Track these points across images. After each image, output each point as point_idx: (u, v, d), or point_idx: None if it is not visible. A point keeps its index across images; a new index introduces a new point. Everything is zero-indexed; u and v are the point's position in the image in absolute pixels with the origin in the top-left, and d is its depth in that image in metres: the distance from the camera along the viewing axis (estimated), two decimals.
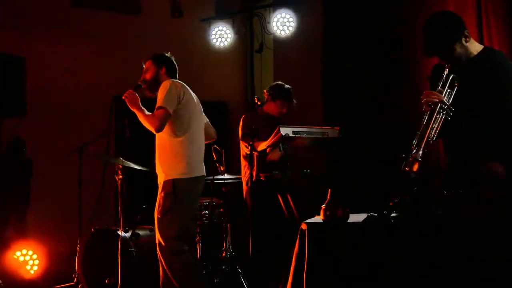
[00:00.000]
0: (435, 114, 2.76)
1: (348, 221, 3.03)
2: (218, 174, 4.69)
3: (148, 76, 3.91)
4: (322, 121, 5.70)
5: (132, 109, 3.78)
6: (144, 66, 3.97)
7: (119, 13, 6.39)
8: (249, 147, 4.26)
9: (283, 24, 5.88)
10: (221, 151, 4.64)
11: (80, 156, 4.88)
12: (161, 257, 3.70)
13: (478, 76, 2.81)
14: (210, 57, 6.52)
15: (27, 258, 4.89)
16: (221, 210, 4.80)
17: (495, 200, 2.62)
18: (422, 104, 2.83)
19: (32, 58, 5.39)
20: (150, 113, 3.72)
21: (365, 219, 3.08)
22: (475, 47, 2.90)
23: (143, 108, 3.77)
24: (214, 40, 6.18)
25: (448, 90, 2.83)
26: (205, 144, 3.99)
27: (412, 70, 4.71)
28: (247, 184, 4.62)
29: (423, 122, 2.78)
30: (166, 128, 3.67)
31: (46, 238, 5.30)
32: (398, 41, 5.03)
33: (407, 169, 2.68)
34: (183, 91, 3.74)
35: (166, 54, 3.97)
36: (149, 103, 3.86)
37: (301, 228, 3.05)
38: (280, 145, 4.30)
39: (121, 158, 4.72)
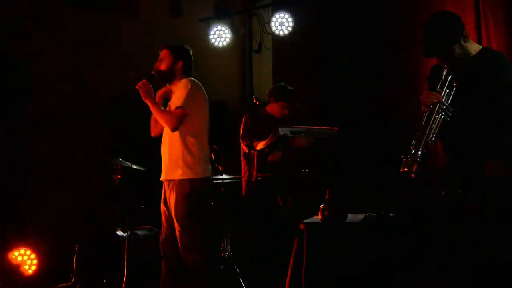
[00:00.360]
0: (434, 115, 2.77)
1: (347, 221, 3.03)
2: (217, 174, 4.69)
3: (163, 66, 3.73)
4: (321, 121, 5.69)
5: (145, 101, 3.63)
6: (159, 54, 3.78)
7: (118, 13, 6.38)
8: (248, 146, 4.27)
9: (282, 24, 5.87)
10: (219, 150, 4.64)
11: (78, 156, 4.87)
12: (185, 255, 3.54)
13: (476, 76, 2.81)
14: (209, 57, 6.51)
15: (25, 258, 4.88)
16: (220, 210, 4.80)
17: (494, 200, 2.62)
18: (421, 105, 2.83)
19: (30, 60, 5.38)
20: (166, 110, 3.65)
21: (363, 219, 3.09)
22: (473, 47, 2.90)
23: (157, 102, 3.67)
24: (213, 40, 6.18)
25: (447, 91, 2.84)
26: None
27: (411, 70, 4.71)
28: (246, 183, 4.62)
29: (422, 122, 2.78)
30: (187, 128, 3.59)
31: (44, 238, 5.30)
32: (397, 41, 5.03)
33: (406, 169, 2.68)
34: (204, 92, 3.70)
35: (186, 47, 3.82)
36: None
37: (300, 228, 3.05)
38: (279, 145, 4.31)
39: (120, 158, 4.72)
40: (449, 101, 2.83)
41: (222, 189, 4.86)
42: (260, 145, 4.40)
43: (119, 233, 4.53)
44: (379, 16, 5.20)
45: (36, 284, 4.81)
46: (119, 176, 4.72)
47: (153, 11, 6.57)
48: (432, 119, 2.76)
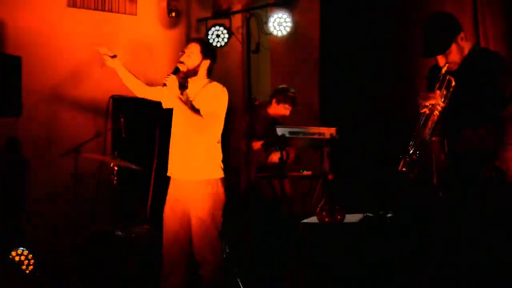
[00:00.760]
0: (432, 115, 2.77)
1: (345, 221, 3.03)
2: None
3: (190, 63, 3.55)
4: (319, 121, 5.70)
5: (171, 99, 3.46)
6: (187, 47, 3.60)
7: (116, 13, 6.37)
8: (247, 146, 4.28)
9: (279, 24, 5.88)
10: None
11: (75, 156, 4.86)
12: (204, 274, 3.45)
13: (474, 76, 2.82)
14: None
15: (23, 258, 4.87)
16: None
17: (494, 200, 2.62)
18: (419, 105, 2.84)
19: (28, 58, 5.36)
20: (197, 110, 3.46)
21: (361, 220, 3.09)
22: (471, 48, 2.91)
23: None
24: (211, 40, 6.18)
25: (445, 91, 2.84)
26: None
27: (410, 70, 4.72)
28: (245, 183, 4.63)
29: (420, 123, 2.79)
30: (213, 130, 3.53)
31: (42, 238, 5.28)
32: (396, 41, 5.03)
33: (404, 169, 2.68)
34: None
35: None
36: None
37: (298, 229, 3.05)
38: (276, 145, 4.32)
39: (117, 158, 4.72)
40: (447, 101, 2.83)
41: None
42: (258, 145, 4.42)
43: (117, 233, 4.52)
44: (378, 16, 5.20)
45: (33, 285, 4.80)
46: (116, 176, 4.71)
47: (151, 11, 6.56)
48: (430, 119, 2.77)
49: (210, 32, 6.23)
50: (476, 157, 2.77)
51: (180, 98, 3.44)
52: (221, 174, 3.55)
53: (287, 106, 4.81)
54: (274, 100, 4.85)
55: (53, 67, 5.92)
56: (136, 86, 3.77)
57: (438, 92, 2.83)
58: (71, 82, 5.95)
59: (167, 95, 3.53)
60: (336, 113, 5.47)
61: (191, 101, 3.52)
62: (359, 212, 3.29)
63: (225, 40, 6.18)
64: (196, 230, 3.46)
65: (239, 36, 6.42)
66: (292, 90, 4.85)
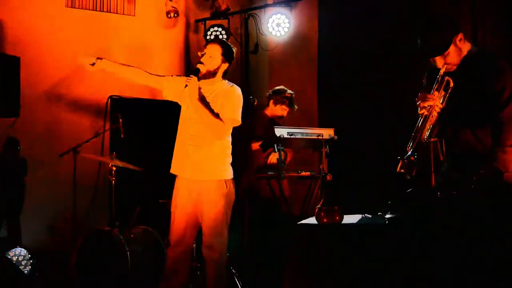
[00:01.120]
0: (430, 116, 2.78)
1: (343, 222, 3.04)
2: None
3: (211, 65, 3.52)
4: (317, 122, 5.71)
5: (193, 101, 3.43)
6: (207, 48, 3.57)
7: (114, 13, 6.37)
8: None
9: (278, 25, 5.89)
10: None
11: (74, 156, 4.86)
12: (210, 258, 3.50)
13: (472, 77, 2.83)
14: None
15: (21, 259, 4.86)
16: None
17: (490, 201, 2.63)
18: (417, 106, 2.85)
19: (26, 58, 5.36)
20: (218, 115, 3.46)
21: (359, 221, 3.10)
22: (469, 48, 2.91)
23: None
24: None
25: (443, 92, 2.85)
26: None
27: (408, 71, 4.73)
28: (245, 184, 4.63)
29: (418, 124, 2.80)
30: (229, 134, 3.59)
31: (40, 239, 5.28)
32: (394, 42, 5.04)
33: (402, 170, 2.69)
34: None
35: (235, 49, 3.65)
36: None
37: (297, 230, 3.05)
38: (275, 146, 4.33)
39: (116, 159, 4.72)
40: (445, 102, 2.84)
41: None
42: (256, 146, 4.44)
43: (115, 234, 4.52)
44: (377, 17, 5.22)
45: (32, 286, 4.80)
46: (115, 176, 4.71)
47: (149, 12, 6.56)
48: (428, 120, 2.78)
49: (208, 33, 6.23)
50: (474, 158, 2.78)
51: (201, 101, 3.43)
52: (232, 175, 3.60)
53: (284, 107, 4.84)
54: (271, 102, 4.88)
55: (52, 68, 5.92)
56: (134, 74, 3.68)
57: (436, 93, 2.83)
58: (69, 82, 5.95)
59: (189, 96, 3.46)
60: (335, 113, 5.48)
61: (209, 103, 3.50)
62: (358, 213, 3.30)
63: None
64: (208, 228, 3.50)
65: (237, 37, 6.43)
66: (289, 91, 4.88)
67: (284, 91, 4.86)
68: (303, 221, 3.18)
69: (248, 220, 4.32)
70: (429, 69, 3.01)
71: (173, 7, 6.39)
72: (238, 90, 3.58)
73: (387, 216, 2.96)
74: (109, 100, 6.00)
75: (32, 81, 5.57)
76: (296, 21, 5.93)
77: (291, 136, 4.30)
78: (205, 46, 3.62)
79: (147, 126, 6.01)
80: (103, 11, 6.31)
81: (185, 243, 3.58)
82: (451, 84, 2.83)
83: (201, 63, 3.51)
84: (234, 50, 3.65)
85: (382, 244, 2.79)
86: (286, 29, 5.90)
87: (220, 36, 6.16)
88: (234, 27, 6.43)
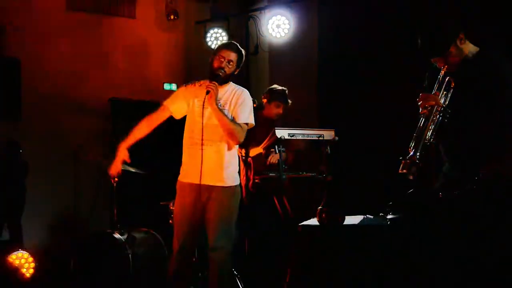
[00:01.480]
0: (432, 117, 2.78)
1: (344, 223, 3.04)
2: None
3: (229, 70, 3.55)
4: (318, 122, 5.71)
5: (213, 107, 3.43)
6: (224, 53, 3.57)
7: (115, 16, 6.38)
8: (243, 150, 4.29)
9: (278, 26, 5.89)
10: None
11: (75, 159, 4.87)
12: (217, 260, 3.51)
13: (474, 77, 2.82)
14: (206, 59, 6.53)
15: (23, 261, 4.87)
16: None
17: (492, 202, 2.63)
18: (418, 107, 2.84)
19: (27, 61, 5.37)
20: (233, 120, 3.50)
21: (361, 221, 3.10)
22: (470, 49, 2.91)
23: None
24: (210, 43, 6.19)
25: (444, 92, 2.85)
26: None
27: (409, 72, 4.73)
28: (245, 186, 4.63)
29: (420, 124, 2.80)
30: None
31: (42, 241, 5.29)
32: (394, 42, 5.05)
33: (404, 171, 2.69)
34: None
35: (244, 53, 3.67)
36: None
37: (298, 231, 3.05)
38: (276, 147, 4.33)
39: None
40: (447, 102, 2.84)
41: None
42: (257, 149, 4.44)
43: (117, 236, 4.52)
44: (377, 17, 5.22)
45: (34, 287, 4.80)
46: (116, 179, 4.71)
47: (150, 14, 6.58)
48: (430, 121, 2.78)
49: (208, 35, 6.23)
50: (475, 158, 2.78)
51: (218, 108, 3.46)
52: (237, 182, 3.66)
53: (277, 103, 4.81)
54: (265, 101, 4.87)
55: (52, 70, 5.93)
56: (148, 127, 3.71)
57: (437, 93, 2.83)
58: (70, 85, 5.97)
59: (208, 102, 3.45)
60: (336, 114, 5.48)
61: (222, 108, 3.52)
62: (359, 214, 3.30)
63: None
64: (217, 231, 3.52)
65: (238, 39, 6.44)
66: (281, 87, 4.85)
67: (275, 87, 4.87)
68: (305, 222, 3.18)
69: (248, 221, 4.31)
70: (430, 69, 3.01)
71: (173, 9, 6.40)
72: (247, 92, 3.65)
73: (389, 217, 2.96)
74: (110, 102, 6.01)
75: (33, 84, 5.58)
76: (296, 22, 5.93)
77: (292, 137, 4.29)
78: (219, 51, 3.62)
79: None
80: (103, 13, 6.32)
81: (190, 247, 3.61)
82: (453, 84, 2.83)
83: (223, 69, 3.53)
84: (244, 54, 3.68)
85: (383, 245, 2.79)
86: (286, 31, 5.90)
87: (220, 38, 6.16)
88: (234, 29, 6.43)
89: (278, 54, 6.40)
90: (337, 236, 2.96)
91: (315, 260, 2.90)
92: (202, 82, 3.64)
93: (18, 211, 5.72)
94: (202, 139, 3.49)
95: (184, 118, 3.65)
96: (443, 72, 2.85)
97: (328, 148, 4.34)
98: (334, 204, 3.07)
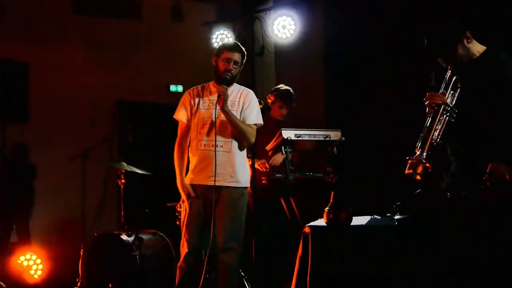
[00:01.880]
0: (439, 116, 2.77)
1: (352, 224, 3.03)
2: None
3: (235, 71, 3.60)
4: (324, 123, 5.70)
5: (222, 109, 3.47)
6: (230, 54, 3.59)
7: (121, 18, 6.40)
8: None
9: (284, 27, 5.88)
10: None
11: (83, 161, 4.89)
12: (226, 261, 3.54)
13: (481, 77, 2.81)
14: (211, 60, 6.55)
15: (31, 263, 4.89)
16: None
17: (498, 202, 2.62)
18: (425, 106, 2.84)
19: (35, 64, 5.40)
20: (243, 121, 3.56)
21: (368, 222, 3.09)
22: (477, 48, 2.90)
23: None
24: (215, 44, 6.19)
25: (451, 92, 2.84)
26: None
27: (415, 72, 4.72)
28: (250, 187, 4.63)
29: (427, 124, 2.79)
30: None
31: (50, 243, 5.31)
32: (401, 42, 5.03)
33: (411, 171, 2.68)
34: None
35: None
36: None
37: (305, 231, 3.05)
38: (282, 148, 4.32)
39: (124, 163, 4.73)
40: (454, 102, 2.83)
41: None
42: (262, 167, 4.50)
43: (124, 237, 4.54)
44: (383, 18, 5.21)
45: None
46: (123, 180, 4.73)
47: (155, 16, 6.59)
48: (437, 120, 2.77)
49: (214, 36, 6.23)
50: (482, 158, 2.76)
51: (229, 111, 3.49)
52: (247, 183, 3.71)
53: (280, 104, 4.81)
54: (269, 102, 4.87)
55: (60, 73, 5.95)
56: (185, 153, 3.72)
57: (444, 93, 2.82)
58: (77, 87, 5.99)
59: (219, 105, 3.49)
60: (342, 115, 5.47)
61: (230, 109, 3.55)
62: (366, 214, 3.29)
63: None
64: (226, 233, 3.54)
65: (243, 40, 6.44)
66: (286, 87, 4.85)
67: (279, 87, 4.87)
68: (312, 223, 3.18)
69: (254, 222, 4.31)
70: (437, 69, 3.00)
71: (179, 11, 6.42)
72: (253, 93, 3.70)
73: (396, 217, 2.95)
74: (117, 104, 6.03)
75: (40, 87, 5.61)
76: (302, 23, 5.92)
77: (299, 138, 4.29)
78: (222, 52, 3.64)
79: (155, 130, 6.04)
80: (109, 15, 6.34)
81: (199, 249, 3.63)
82: (459, 84, 2.82)
83: (231, 72, 3.56)
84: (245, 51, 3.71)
85: (391, 246, 2.78)
86: (292, 31, 5.89)
87: (226, 39, 6.16)
88: (239, 30, 6.43)
89: (283, 55, 6.40)
90: (344, 236, 2.96)
91: (322, 261, 2.90)
92: (206, 85, 3.69)
93: (26, 213, 5.75)
94: (215, 140, 3.51)
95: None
96: (449, 72, 2.84)
97: (335, 148, 4.33)
98: (341, 204, 3.06)
